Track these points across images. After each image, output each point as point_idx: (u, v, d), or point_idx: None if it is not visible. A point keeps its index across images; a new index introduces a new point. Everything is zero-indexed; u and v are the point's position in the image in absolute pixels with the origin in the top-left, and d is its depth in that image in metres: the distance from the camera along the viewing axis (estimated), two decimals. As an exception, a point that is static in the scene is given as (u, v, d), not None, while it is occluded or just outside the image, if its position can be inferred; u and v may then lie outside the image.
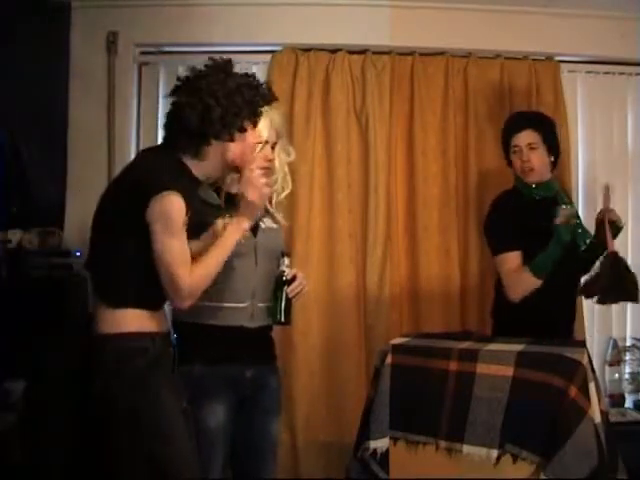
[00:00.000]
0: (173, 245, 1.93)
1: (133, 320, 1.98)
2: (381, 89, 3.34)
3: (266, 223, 2.37)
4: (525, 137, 2.77)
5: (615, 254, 2.68)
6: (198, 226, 2.07)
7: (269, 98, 2.09)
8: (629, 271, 2.69)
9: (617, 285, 2.66)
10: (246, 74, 2.08)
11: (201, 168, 2.04)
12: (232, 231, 2.06)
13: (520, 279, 2.69)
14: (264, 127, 2.25)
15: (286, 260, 2.29)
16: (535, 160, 2.76)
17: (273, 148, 2.32)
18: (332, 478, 3.02)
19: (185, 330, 2.25)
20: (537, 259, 2.66)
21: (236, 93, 2.00)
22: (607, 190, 2.80)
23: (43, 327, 2.72)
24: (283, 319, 2.29)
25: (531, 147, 2.77)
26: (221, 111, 1.97)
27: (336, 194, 3.32)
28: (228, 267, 2.20)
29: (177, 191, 1.91)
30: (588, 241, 2.73)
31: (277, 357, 2.47)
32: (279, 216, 2.41)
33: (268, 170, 2.30)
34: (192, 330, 2.23)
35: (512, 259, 2.71)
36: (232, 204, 2.26)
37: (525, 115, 2.93)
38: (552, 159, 2.83)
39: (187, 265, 1.95)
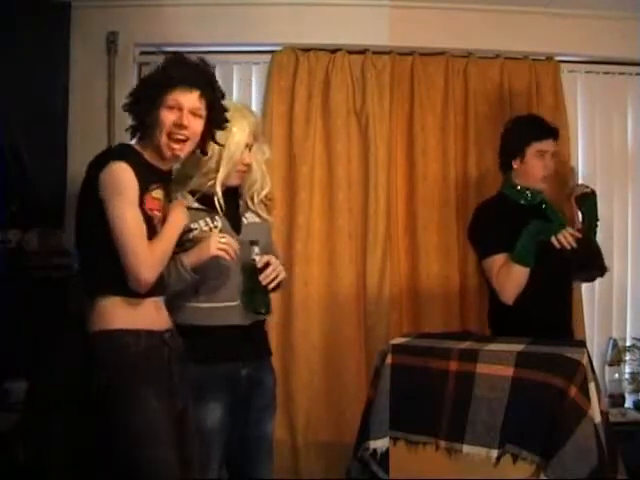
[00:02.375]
0: (127, 213, 1.94)
1: (116, 315, 1.98)
2: (381, 89, 3.34)
3: (249, 218, 2.40)
4: (551, 145, 2.82)
5: (579, 230, 2.72)
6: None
7: (173, 82, 2.04)
8: (595, 244, 2.79)
9: (587, 259, 2.74)
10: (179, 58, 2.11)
11: (150, 152, 2.07)
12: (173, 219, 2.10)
13: (508, 275, 2.68)
14: (241, 131, 2.30)
15: (256, 249, 2.27)
16: (552, 168, 2.84)
17: (250, 150, 2.36)
18: (332, 478, 3.02)
19: (180, 333, 2.25)
20: (517, 246, 2.66)
21: (150, 78, 2.09)
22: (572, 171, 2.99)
23: (43, 327, 2.72)
24: (262, 309, 2.28)
25: (552, 156, 2.83)
26: (133, 99, 2.07)
27: (336, 194, 3.32)
28: (216, 266, 2.22)
29: (124, 159, 1.95)
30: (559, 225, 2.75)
31: (272, 353, 2.48)
32: (262, 213, 2.44)
33: (245, 172, 2.35)
34: (186, 332, 2.23)
35: (499, 261, 2.71)
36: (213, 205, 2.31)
37: (548, 123, 2.89)
38: None
39: (144, 236, 1.96)
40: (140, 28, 3.28)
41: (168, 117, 2.02)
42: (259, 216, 2.44)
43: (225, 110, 2.16)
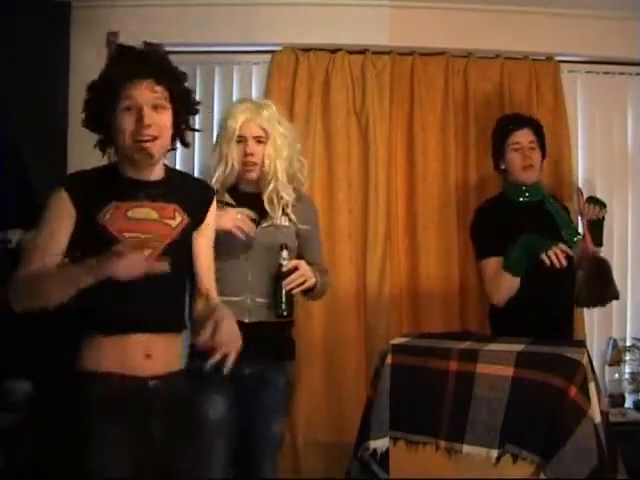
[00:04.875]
0: (37, 237, 1.77)
1: (87, 356, 1.78)
2: (381, 89, 3.35)
3: (273, 220, 2.41)
4: (527, 135, 2.83)
5: (594, 256, 2.73)
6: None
7: (121, 78, 1.75)
8: (609, 270, 2.76)
9: (604, 287, 2.73)
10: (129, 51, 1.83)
11: (126, 164, 1.82)
12: (82, 269, 1.69)
13: (499, 281, 2.71)
14: (239, 122, 2.37)
15: (284, 253, 2.31)
16: (535, 158, 2.82)
17: (262, 143, 2.39)
18: (332, 478, 3.02)
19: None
20: (508, 255, 2.67)
21: (104, 74, 1.80)
22: (579, 194, 2.88)
23: (43, 327, 2.71)
24: (282, 312, 2.32)
25: (531, 146, 2.82)
26: (88, 96, 1.80)
27: (336, 194, 3.32)
28: (224, 261, 2.24)
29: (65, 184, 1.77)
30: (576, 239, 2.78)
31: (292, 357, 2.49)
32: (274, 214, 2.43)
33: (252, 164, 2.38)
34: None
35: (493, 264, 2.73)
36: (246, 203, 2.37)
37: (523, 116, 2.95)
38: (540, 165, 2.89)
39: (30, 262, 1.75)
40: (140, 28, 3.28)
41: (127, 119, 1.74)
42: (290, 219, 2.46)
43: (190, 92, 1.88)
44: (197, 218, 1.91)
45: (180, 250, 1.86)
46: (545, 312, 2.67)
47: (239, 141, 2.39)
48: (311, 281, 2.37)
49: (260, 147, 2.39)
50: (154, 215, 1.80)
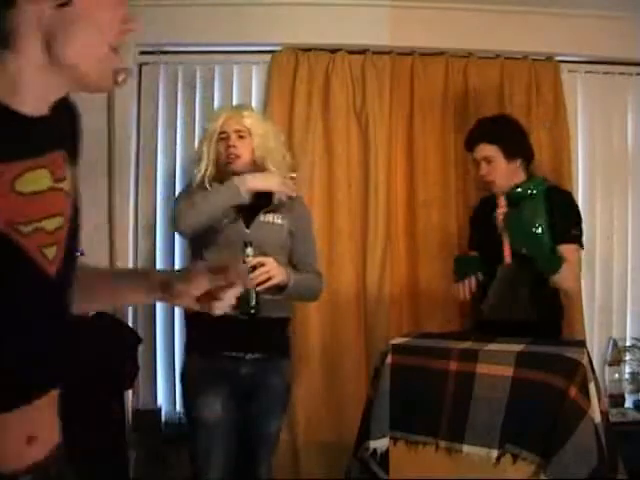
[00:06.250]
0: None
1: None
2: (381, 89, 3.35)
3: (267, 218, 2.42)
4: (480, 151, 2.75)
5: (507, 265, 2.63)
6: None
7: None
8: (520, 286, 2.65)
9: (503, 299, 2.67)
10: None
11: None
12: None
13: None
14: (219, 121, 2.45)
15: (248, 250, 2.28)
16: (493, 173, 2.73)
17: (243, 138, 2.44)
18: (332, 478, 3.02)
19: (188, 319, 2.32)
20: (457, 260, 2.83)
21: None
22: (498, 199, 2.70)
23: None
24: (248, 310, 2.27)
25: (488, 160, 2.73)
26: None
27: (336, 194, 3.32)
28: (217, 257, 2.27)
29: None
30: (522, 247, 2.64)
31: (288, 356, 2.49)
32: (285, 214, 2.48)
33: (235, 157, 2.42)
34: (191, 320, 2.30)
35: None
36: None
37: (482, 126, 2.80)
38: (518, 164, 2.76)
39: None
40: (140, 28, 3.27)
41: None
42: (284, 217, 2.48)
43: None
44: (75, 162, 1.09)
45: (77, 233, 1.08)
46: (500, 315, 2.67)
47: (222, 138, 2.42)
48: (278, 279, 2.33)
49: (241, 141, 2.42)
50: (47, 180, 0.97)
